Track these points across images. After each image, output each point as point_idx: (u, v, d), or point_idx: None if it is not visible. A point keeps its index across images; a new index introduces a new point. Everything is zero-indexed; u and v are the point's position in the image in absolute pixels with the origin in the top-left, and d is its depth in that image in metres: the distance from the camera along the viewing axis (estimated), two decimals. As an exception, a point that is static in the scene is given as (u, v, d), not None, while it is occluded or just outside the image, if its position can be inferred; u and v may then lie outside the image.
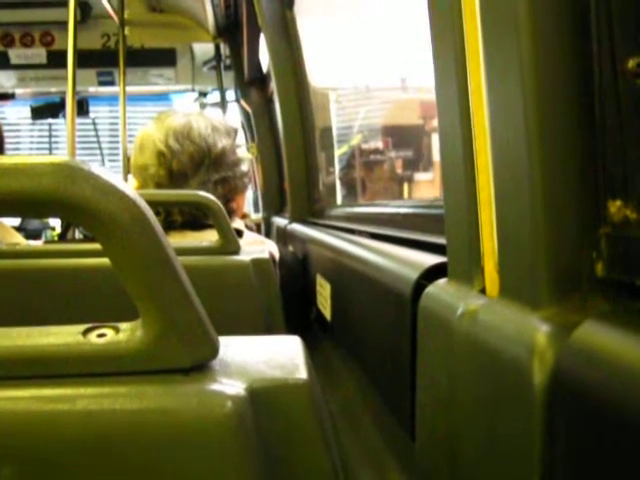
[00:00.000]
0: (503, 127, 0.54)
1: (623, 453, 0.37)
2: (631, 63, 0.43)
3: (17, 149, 6.37)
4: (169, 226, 1.54)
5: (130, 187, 0.41)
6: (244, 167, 1.68)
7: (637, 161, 0.44)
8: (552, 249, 0.49)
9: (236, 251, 1.21)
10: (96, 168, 0.39)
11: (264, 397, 0.44)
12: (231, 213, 1.60)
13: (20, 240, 1.79)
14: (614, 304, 0.46)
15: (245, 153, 1.73)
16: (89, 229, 0.40)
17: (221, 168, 1.60)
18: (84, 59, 3.27)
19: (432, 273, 0.78)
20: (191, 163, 1.57)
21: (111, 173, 0.40)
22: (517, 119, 0.51)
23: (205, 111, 1.75)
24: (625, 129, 0.45)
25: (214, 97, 4.61)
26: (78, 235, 3.09)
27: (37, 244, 1.69)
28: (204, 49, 4.39)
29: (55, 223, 4.69)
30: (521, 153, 0.50)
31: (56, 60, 4.08)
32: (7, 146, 1.99)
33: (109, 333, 0.43)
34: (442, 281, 0.72)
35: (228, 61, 4.19)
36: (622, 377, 0.37)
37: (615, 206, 0.46)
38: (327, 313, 1.49)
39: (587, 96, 0.47)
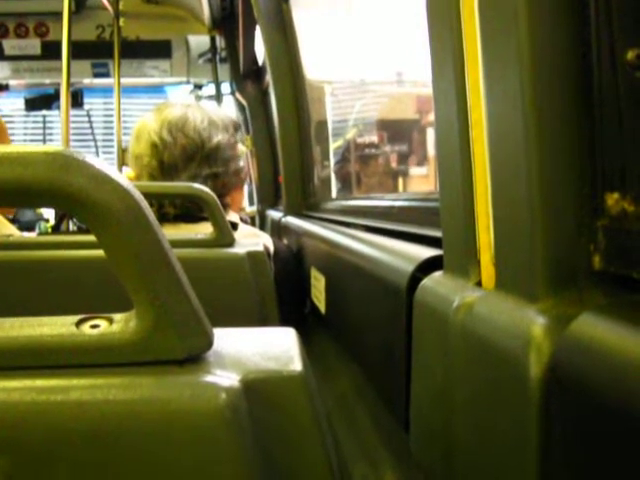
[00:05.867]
0: (500, 119, 0.54)
1: (619, 445, 0.37)
2: (630, 55, 0.43)
3: (11, 141, 6.33)
4: (162, 218, 1.54)
5: (124, 178, 0.40)
6: (240, 163, 1.67)
7: (635, 153, 0.44)
8: (549, 241, 0.49)
9: (231, 244, 1.21)
10: (90, 158, 0.39)
11: (258, 389, 0.44)
12: (225, 207, 1.60)
13: (14, 232, 1.79)
14: (611, 297, 0.46)
15: (241, 147, 1.73)
16: (83, 219, 0.39)
17: (214, 163, 1.59)
18: (79, 50, 3.26)
19: (428, 266, 0.78)
20: (183, 156, 1.56)
21: (105, 163, 0.40)
22: (514, 111, 0.50)
23: (205, 103, 1.74)
24: (623, 121, 0.44)
25: (209, 90, 4.60)
26: (72, 227, 3.08)
27: (31, 236, 1.68)
28: (199, 41, 4.37)
29: (49, 215, 4.68)
30: (518, 145, 0.50)
31: (50, 51, 4.06)
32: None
33: (103, 324, 0.43)
34: (438, 274, 0.72)
35: (224, 53, 4.18)
36: (619, 370, 0.37)
37: (613, 198, 0.45)
38: (321, 306, 1.48)
39: (585, 88, 0.47)
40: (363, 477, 1.01)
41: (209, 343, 0.44)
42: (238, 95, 3.80)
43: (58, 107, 3.21)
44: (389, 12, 1.97)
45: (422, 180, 2.41)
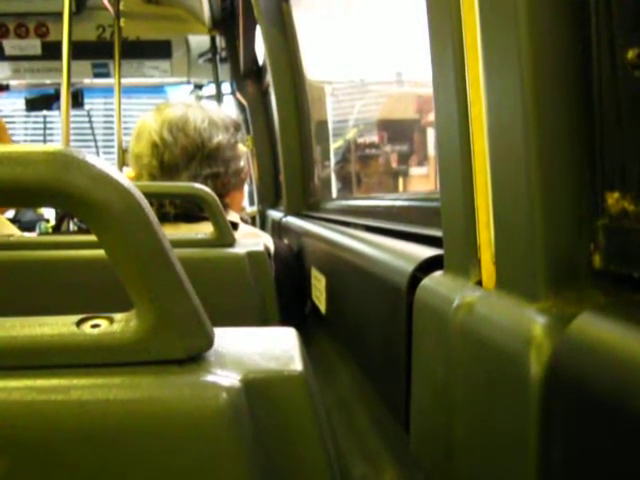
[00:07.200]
0: (501, 119, 0.54)
1: (619, 445, 0.37)
2: (630, 54, 0.43)
3: (11, 139, 6.31)
4: (163, 218, 1.54)
5: (125, 177, 0.40)
6: (240, 163, 1.67)
7: (635, 152, 0.44)
8: (549, 241, 0.49)
9: (231, 244, 1.21)
10: (91, 157, 0.39)
11: (259, 388, 0.44)
12: (225, 207, 1.60)
13: (14, 232, 1.79)
14: (611, 296, 0.46)
15: (241, 147, 1.73)
16: (83, 218, 0.39)
17: (214, 163, 1.60)
18: (79, 51, 3.25)
19: (428, 265, 0.78)
20: (183, 156, 1.57)
21: (106, 162, 0.40)
22: (515, 111, 0.50)
23: (206, 103, 1.74)
24: (623, 120, 0.44)
25: (210, 90, 4.59)
26: (72, 227, 3.08)
27: (31, 236, 1.68)
28: (200, 41, 4.37)
29: (49, 215, 4.69)
30: (519, 145, 0.50)
31: (51, 51, 4.06)
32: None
33: (103, 324, 0.43)
34: (438, 273, 0.72)
35: (224, 53, 4.18)
36: (619, 369, 0.37)
37: (613, 198, 0.45)
38: (322, 306, 1.48)
39: (586, 87, 0.47)
40: (363, 477, 1.01)
41: (209, 343, 0.44)
42: (238, 95, 3.80)
43: (58, 107, 3.20)
44: (389, 12, 1.97)
45: (422, 180, 2.41)
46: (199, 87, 4.71)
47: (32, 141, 6.51)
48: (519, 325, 0.49)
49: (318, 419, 0.46)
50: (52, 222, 4.39)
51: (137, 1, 4.09)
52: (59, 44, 2.66)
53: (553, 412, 0.44)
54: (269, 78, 2.75)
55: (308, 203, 2.60)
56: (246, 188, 3.92)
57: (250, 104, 3.58)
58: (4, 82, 4.59)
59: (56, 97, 4.45)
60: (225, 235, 1.20)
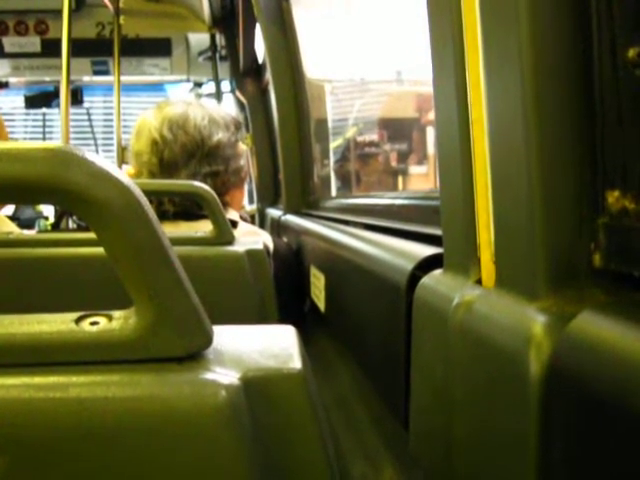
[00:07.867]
0: (501, 117, 0.54)
1: (619, 443, 0.37)
2: (631, 53, 0.43)
3: (9, 134, 6.31)
4: (162, 216, 1.54)
5: (124, 174, 0.40)
6: (240, 162, 1.67)
7: (636, 151, 0.44)
8: (549, 239, 0.49)
9: (230, 242, 1.21)
10: (90, 155, 0.39)
11: (258, 386, 0.44)
12: (225, 206, 1.59)
13: (13, 229, 1.79)
14: (611, 295, 0.46)
15: (242, 145, 1.73)
16: (82, 215, 0.39)
17: (214, 162, 1.59)
18: (79, 48, 3.25)
19: (427, 264, 0.78)
20: (183, 154, 1.57)
21: (105, 160, 0.40)
22: (515, 110, 0.50)
23: (206, 101, 1.74)
24: (624, 119, 0.44)
25: (209, 88, 4.59)
26: (72, 225, 3.08)
27: (31, 233, 1.68)
28: (200, 39, 4.37)
29: (49, 212, 4.68)
30: (519, 143, 0.50)
31: (50, 49, 4.06)
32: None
33: (102, 321, 0.43)
34: (438, 272, 0.72)
35: (224, 51, 4.18)
36: (619, 368, 0.37)
37: (613, 196, 0.45)
38: (321, 304, 1.48)
39: (586, 85, 0.47)
40: (362, 475, 1.01)
41: (208, 341, 0.44)
42: (238, 93, 3.80)
43: (58, 105, 3.21)
44: (389, 10, 1.97)
45: (421, 179, 2.41)
46: (199, 85, 4.71)
47: (31, 139, 6.51)
48: (519, 324, 0.49)
49: (317, 417, 0.46)
50: (51, 219, 4.39)
51: (137, -2, 4.09)
52: (58, 41, 2.66)
53: (553, 411, 0.44)
54: (269, 76, 2.75)
55: (307, 201, 2.60)
56: (246, 186, 3.92)
57: (250, 102, 3.58)
58: (3, 79, 4.59)
59: (55, 95, 4.45)
60: (224, 233, 1.20)
